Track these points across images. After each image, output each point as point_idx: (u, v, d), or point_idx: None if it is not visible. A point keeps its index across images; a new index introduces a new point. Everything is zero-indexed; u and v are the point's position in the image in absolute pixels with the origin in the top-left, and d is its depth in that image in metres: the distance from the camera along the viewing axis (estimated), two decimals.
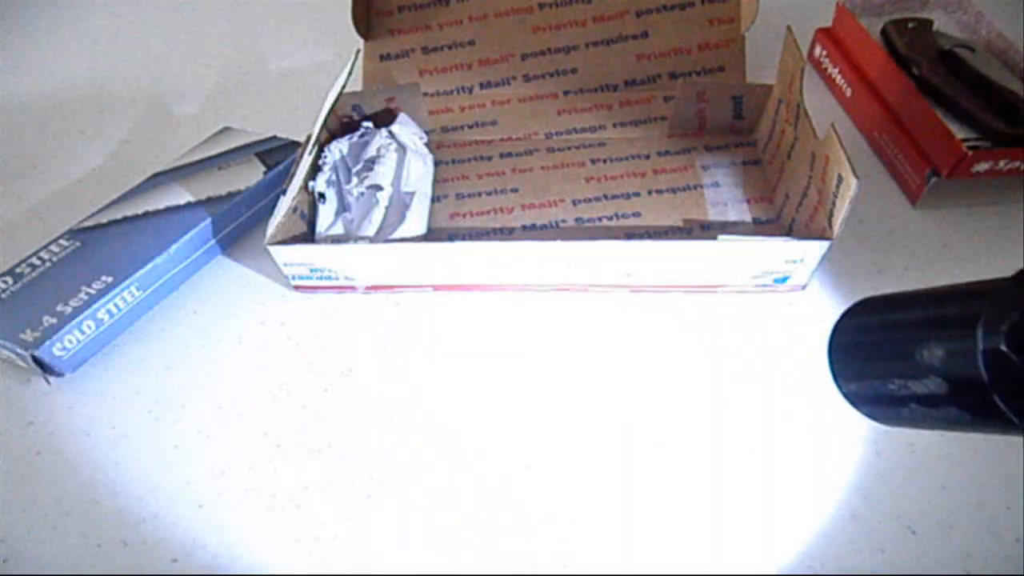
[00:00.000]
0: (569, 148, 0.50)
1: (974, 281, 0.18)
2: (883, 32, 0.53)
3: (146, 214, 0.45)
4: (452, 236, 0.45)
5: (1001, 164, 0.42)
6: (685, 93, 0.48)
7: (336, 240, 0.43)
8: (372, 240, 0.43)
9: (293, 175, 0.41)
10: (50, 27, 0.74)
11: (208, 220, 0.44)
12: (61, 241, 0.43)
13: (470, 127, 0.52)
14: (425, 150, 0.48)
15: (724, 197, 0.45)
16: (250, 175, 0.47)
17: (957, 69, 0.48)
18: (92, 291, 0.39)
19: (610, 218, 0.45)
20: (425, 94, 0.50)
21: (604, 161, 0.49)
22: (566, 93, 0.52)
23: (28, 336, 0.37)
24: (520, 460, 0.34)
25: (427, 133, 0.51)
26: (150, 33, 0.72)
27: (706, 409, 0.36)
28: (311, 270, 0.41)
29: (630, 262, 0.39)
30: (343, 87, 0.43)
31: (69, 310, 0.38)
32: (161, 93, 0.62)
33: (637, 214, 0.45)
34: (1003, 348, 0.16)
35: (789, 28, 0.43)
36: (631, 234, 0.44)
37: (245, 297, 0.43)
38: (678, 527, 0.32)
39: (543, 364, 0.38)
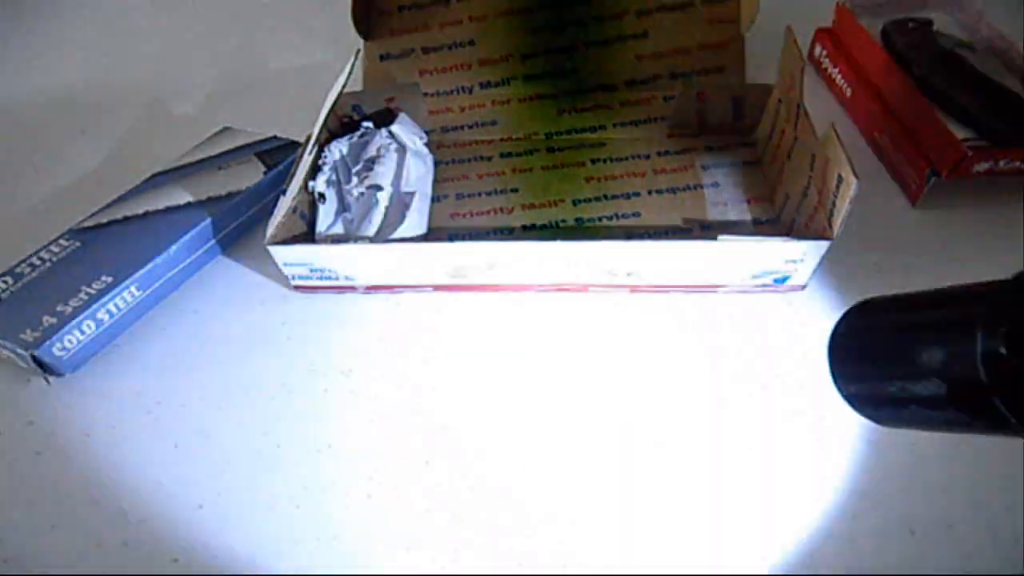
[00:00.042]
0: (569, 148, 0.50)
1: (973, 283, 0.18)
2: (883, 32, 0.53)
3: (146, 214, 0.45)
4: (452, 236, 0.45)
5: (1001, 164, 0.42)
6: (685, 93, 0.48)
7: (336, 240, 0.43)
8: (372, 240, 0.43)
9: (293, 175, 0.41)
10: (50, 27, 0.74)
11: (208, 220, 0.44)
12: (61, 241, 0.43)
13: (470, 127, 0.52)
14: (425, 150, 0.49)
15: (724, 197, 0.45)
16: (250, 175, 0.47)
17: (957, 69, 0.48)
18: (92, 291, 0.39)
19: (610, 218, 0.45)
20: (425, 94, 0.50)
21: (604, 161, 0.49)
22: (566, 93, 0.52)
23: (28, 336, 0.37)
24: (520, 460, 0.34)
25: (427, 133, 0.51)
26: (150, 33, 0.72)
27: (706, 409, 0.36)
28: (311, 270, 0.41)
29: (630, 262, 0.39)
30: (343, 87, 0.43)
31: (69, 310, 0.38)
32: (161, 93, 0.62)
33: (637, 214, 0.45)
34: (1002, 351, 0.16)
35: (789, 28, 0.43)
36: (631, 234, 0.44)
37: (245, 297, 0.43)
38: (678, 527, 0.32)
39: (543, 364, 0.38)
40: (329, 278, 0.41)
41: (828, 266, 0.41)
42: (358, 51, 0.45)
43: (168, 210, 0.45)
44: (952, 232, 0.44)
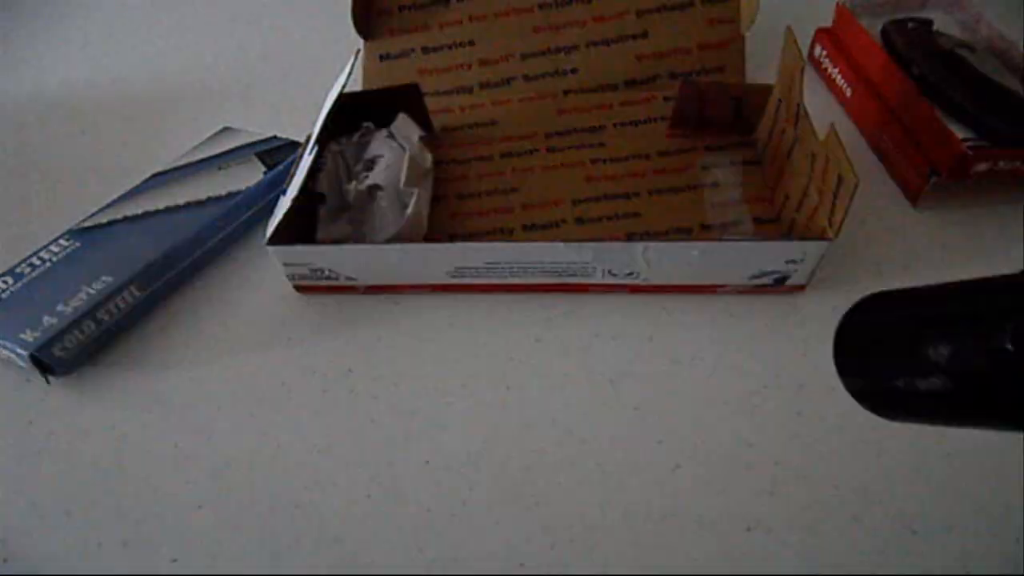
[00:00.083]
0: (569, 148, 0.50)
1: (982, 277, 0.18)
2: (883, 32, 0.53)
3: (146, 214, 0.45)
4: (452, 236, 0.45)
5: (1001, 164, 0.42)
6: (685, 93, 0.48)
7: (336, 240, 0.43)
8: (372, 240, 0.43)
9: (293, 175, 0.41)
10: (50, 27, 0.74)
11: (208, 220, 0.44)
12: (61, 241, 0.43)
13: (470, 127, 0.52)
14: (425, 150, 0.48)
15: (724, 197, 0.45)
16: (250, 175, 0.47)
17: (957, 69, 0.48)
18: (92, 291, 0.39)
19: (610, 218, 0.45)
20: (425, 94, 0.50)
21: (604, 161, 0.49)
22: (566, 93, 0.52)
23: (28, 336, 0.37)
24: (521, 460, 0.34)
25: (427, 133, 0.51)
26: (150, 33, 0.72)
27: (706, 409, 0.36)
28: (311, 270, 0.41)
29: (630, 262, 0.39)
30: (343, 87, 0.43)
31: (69, 310, 0.38)
32: (161, 93, 0.62)
33: (637, 214, 0.45)
34: (1008, 347, 0.16)
35: (789, 28, 0.43)
36: (631, 234, 0.44)
37: (245, 297, 0.43)
38: (677, 526, 0.32)
39: (543, 364, 0.38)
40: (329, 278, 0.41)
41: (828, 266, 0.41)
42: (358, 51, 0.45)
43: (168, 210, 0.45)
44: (952, 232, 0.44)
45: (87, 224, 0.44)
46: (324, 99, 0.43)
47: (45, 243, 0.43)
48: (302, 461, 0.35)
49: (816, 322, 0.39)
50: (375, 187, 0.44)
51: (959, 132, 0.44)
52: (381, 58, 0.53)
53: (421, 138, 0.49)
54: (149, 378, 0.39)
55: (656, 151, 0.49)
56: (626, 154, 0.49)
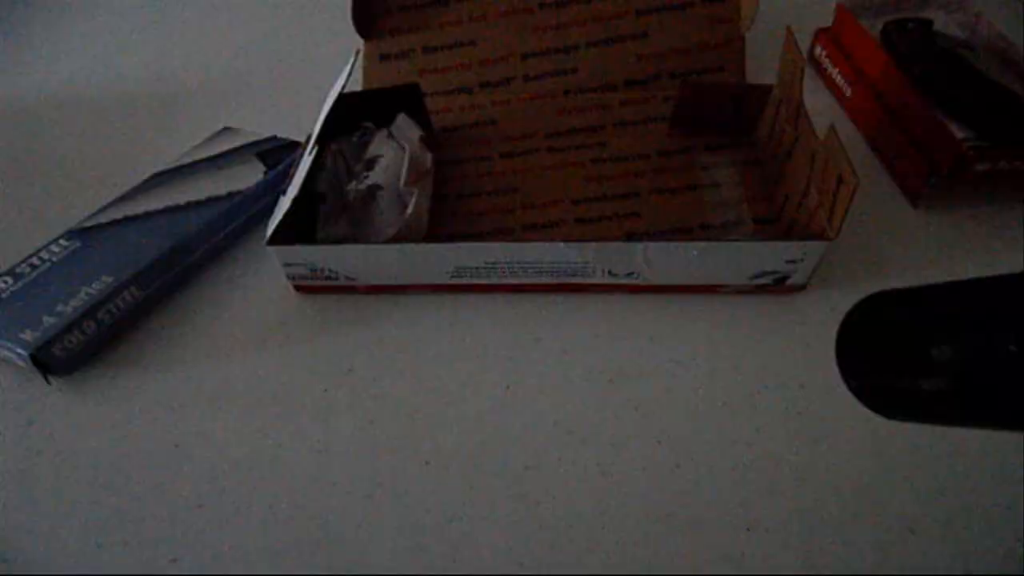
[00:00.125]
0: (569, 148, 0.50)
1: (985, 277, 0.18)
2: (883, 32, 0.53)
3: (146, 214, 0.45)
4: (452, 236, 0.45)
5: (1001, 164, 0.42)
6: (685, 93, 0.48)
7: (337, 240, 0.43)
8: (372, 240, 0.43)
9: (293, 175, 0.41)
10: (50, 27, 0.74)
11: (208, 220, 0.44)
12: (61, 241, 0.43)
13: (470, 127, 0.52)
14: (425, 150, 0.48)
15: (724, 197, 0.45)
16: (250, 175, 0.47)
17: (957, 69, 0.48)
18: (92, 291, 0.39)
19: (610, 218, 0.45)
20: (425, 94, 0.50)
21: (604, 161, 0.49)
22: (566, 93, 0.52)
23: (28, 336, 0.37)
24: (521, 460, 0.34)
25: (427, 133, 0.51)
26: (151, 33, 0.72)
27: (705, 409, 0.36)
28: (311, 270, 0.41)
29: (630, 262, 0.39)
30: (343, 87, 0.43)
31: (69, 310, 0.38)
32: (161, 93, 0.62)
33: (637, 214, 0.45)
34: (1012, 348, 0.16)
35: (789, 28, 0.43)
36: (631, 234, 0.44)
37: (245, 297, 0.43)
38: (677, 526, 0.32)
39: (543, 364, 0.38)
40: (329, 278, 0.41)
41: (828, 266, 0.41)
42: (358, 51, 0.45)
43: (168, 210, 0.45)
44: (952, 232, 0.44)
45: (87, 224, 0.44)
46: (324, 99, 0.43)
47: (45, 243, 0.43)
48: (302, 461, 0.35)
49: (816, 322, 0.39)
50: (375, 187, 0.44)
51: (959, 132, 0.44)
52: (381, 58, 0.53)
53: (421, 138, 0.49)
54: (149, 378, 0.39)
55: (656, 151, 0.49)
56: (626, 154, 0.49)
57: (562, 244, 0.38)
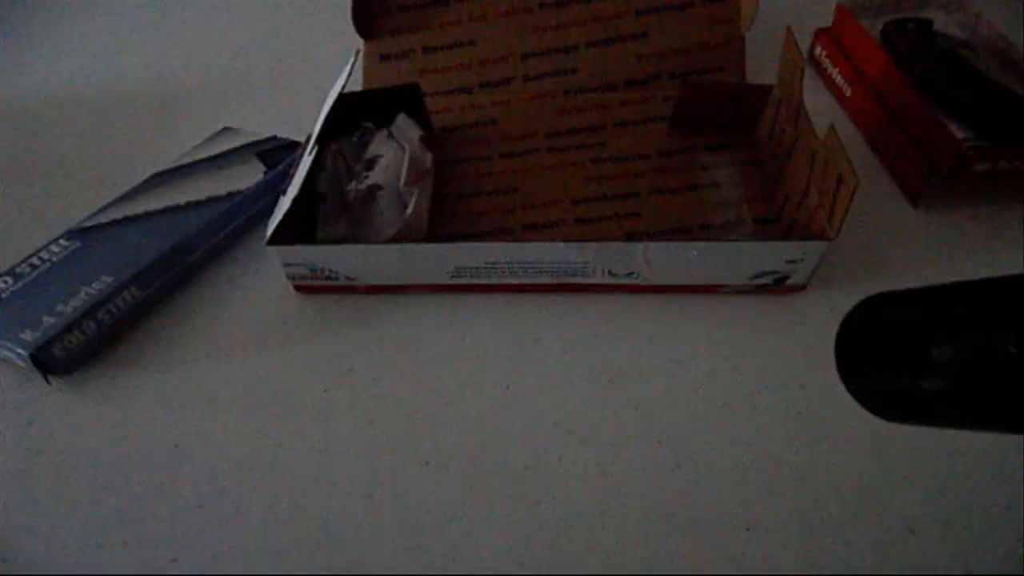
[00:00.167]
0: (569, 148, 0.50)
1: (985, 278, 0.18)
2: (883, 32, 0.53)
3: (146, 214, 0.45)
4: (452, 236, 0.45)
5: (1001, 164, 0.42)
6: (685, 93, 0.48)
7: (337, 240, 0.43)
8: (372, 240, 0.43)
9: (293, 175, 0.41)
10: (50, 27, 0.74)
11: (208, 220, 0.44)
12: (61, 241, 0.43)
13: (470, 127, 0.52)
14: (425, 150, 0.48)
15: (724, 197, 0.45)
16: (250, 175, 0.47)
17: (957, 69, 0.48)
18: (92, 291, 0.39)
19: (610, 218, 0.45)
20: (425, 94, 0.50)
21: (604, 161, 0.49)
22: (566, 93, 0.52)
23: (28, 336, 0.37)
24: (521, 460, 0.34)
25: (427, 133, 0.51)
26: (151, 33, 0.72)
27: (705, 409, 0.36)
28: (311, 270, 0.41)
29: (630, 262, 0.39)
30: (343, 87, 0.43)
31: (69, 310, 0.38)
32: (161, 93, 0.62)
33: (637, 214, 0.45)
34: (1012, 349, 0.16)
35: (789, 28, 0.43)
36: (631, 234, 0.44)
37: (245, 297, 0.43)
38: (677, 526, 0.32)
39: (543, 364, 0.38)
40: (329, 278, 0.41)
41: (828, 266, 0.41)
42: (358, 51, 0.45)
43: (168, 210, 0.45)
44: (952, 232, 0.44)
45: (87, 224, 0.44)
46: (324, 99, 0.43)
47: (45, 243, 0.43)
48: (302, 461, 0.35)
49: (816, 322, 0.39)
50: (375, 187, 0.44)
51: (959, 132, 0.44)
52: (381, 58, 0.53)
53: (421, 138, 0.49)
54: (149, 378, 0.39)
55: (656, 151, 0.49)
56: (626, 154, 0.49)
57: (562, 244, 0.38)
